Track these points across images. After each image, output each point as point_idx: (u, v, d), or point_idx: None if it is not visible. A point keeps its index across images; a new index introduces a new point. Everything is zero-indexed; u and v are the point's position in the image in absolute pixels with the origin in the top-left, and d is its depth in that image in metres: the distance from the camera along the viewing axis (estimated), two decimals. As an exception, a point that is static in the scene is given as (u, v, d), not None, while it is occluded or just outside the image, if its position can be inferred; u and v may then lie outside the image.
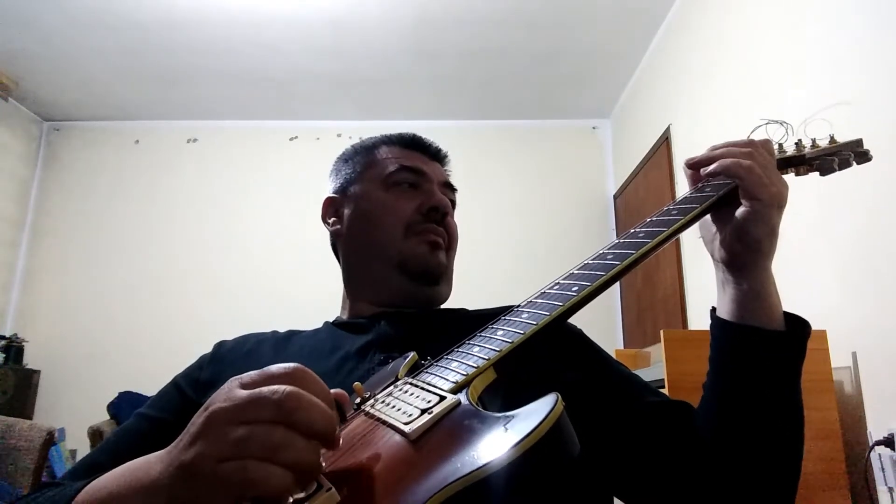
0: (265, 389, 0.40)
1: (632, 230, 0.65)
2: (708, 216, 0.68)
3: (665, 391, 1.60)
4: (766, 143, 0.70)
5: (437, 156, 0.92)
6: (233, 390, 0.41)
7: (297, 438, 0.39)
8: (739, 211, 0.64)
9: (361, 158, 0.90)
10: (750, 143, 0.67)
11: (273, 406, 0.39)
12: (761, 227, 0.63)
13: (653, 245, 0.61)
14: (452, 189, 0.91)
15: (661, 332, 1.65)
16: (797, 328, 0.65)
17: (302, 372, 0.43)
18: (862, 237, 1.65)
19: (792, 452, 0.64)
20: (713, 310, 0.69)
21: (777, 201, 0.64)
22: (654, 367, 2.03)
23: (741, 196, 0.64)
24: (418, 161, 0.87)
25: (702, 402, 0.68)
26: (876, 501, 1.51)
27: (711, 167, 0.67)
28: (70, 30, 3.26)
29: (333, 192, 0.92)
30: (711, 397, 0.67)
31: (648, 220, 0.66)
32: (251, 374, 0.43)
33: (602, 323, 3.73)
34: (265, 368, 0.43)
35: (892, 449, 1.46)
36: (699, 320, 2.72)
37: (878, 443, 1.48)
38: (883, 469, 1.49)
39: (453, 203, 0.89)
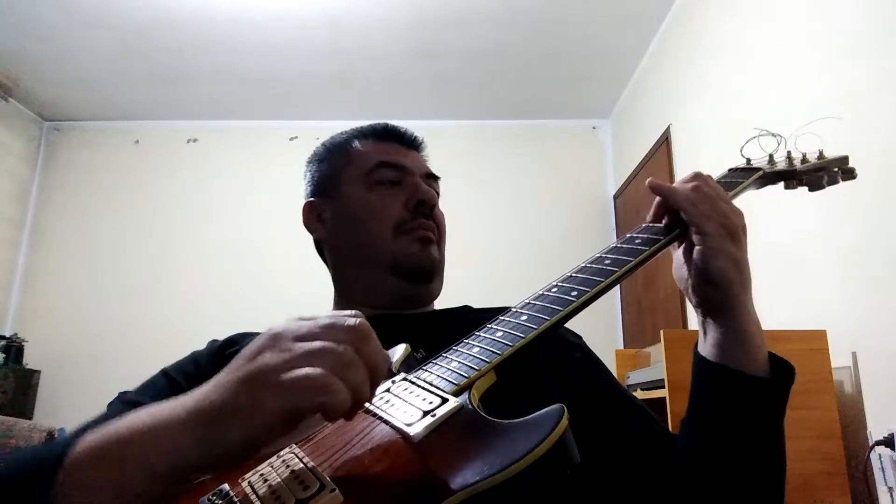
0: (339, 317, 0.42)
1: (628, 235, 0.65)
2: (682, 260, 0.65)
3: (665, 391, 1.60)
4: (709, 178, 0.67)
5: (414, 143, 0.88)
6: (295, 321, 0.42)
7: (362, 364, 0.40)
8: (696, 249, 0.62)
9: (336, 157, 0.87)
10: (695, 177, 0.65)
11: (347, 330, 0.41)
12: (720, 260, 0.60)
13: (650, 252, 0.61)
14: (435, 178, 0.87)
15: (661, 332, 1.65)
16: (782, 373, 0.62)
17: (368, 325, 0.43)
18: (862, 238, 1.65)
19: (772, 496, 0.62)
20: (695, 346, 0.67)
21: (727, 231, 0.61)
22: (654, 367, 2.04)
23: (691, 232, 0.62)
24: (395, 153, 0.84)
25: (679, 438, 0.66)
26: (876, 501, 1.51)
27: (657, 200, 0.65)
28: (70, 30, 3.26)
29: (311, 196, 0.88)
30: (690, 436, 0.64)
31: (645, 225, 0.66)
32: (312, 314, 0.44)
33: (602, 323, 3.73)
34: (328, 312, 0.45)
35: (892, 449, 1.46)
36: (699, 320, 2.72)
37: (878, 443, 1.48)
38: (883, 469, 1.49)
39: (437, 193, 0.86)
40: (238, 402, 0.39)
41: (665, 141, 3.14)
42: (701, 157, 2.77)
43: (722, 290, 0.61)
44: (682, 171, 2.97)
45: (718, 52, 2.59)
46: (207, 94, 3.92)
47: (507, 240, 3.98)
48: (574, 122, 4.22)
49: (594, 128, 4.23)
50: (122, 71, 3.66)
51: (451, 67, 3.60)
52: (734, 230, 0.61)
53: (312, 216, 0.87)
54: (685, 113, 2.95)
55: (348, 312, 0.43)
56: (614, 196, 4.04)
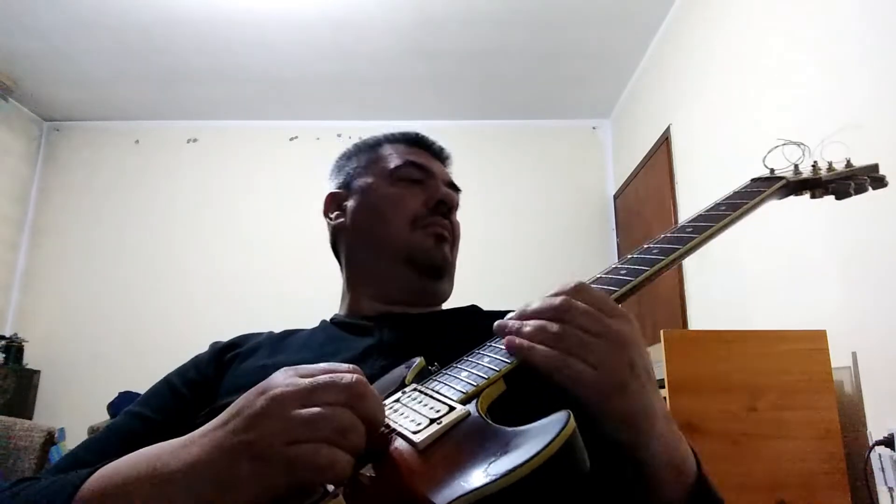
0: (335, 375, 0.42)
1: (645, 245, 0.64)
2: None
3: (665, 391, 1.60)
4: (572, 300, 0.49)
5: (440, 155, 0.92)
6: (291, 377, 0.42)
7: (360, 424, 0.40)
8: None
9: (365, 155, 0.91)
10: (548, 320, 0.49)
11: (343, 390, 0.41)
12: (607, 421, 0.48)
13: (668, 262, 0.60)
14: (456, 189, 0.90)
15: (661, 332, 1.65)
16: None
17: (358, 370, 0.44)
18: (862, 238, 1.65)
19: None
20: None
21: (612, 386, 0.47)
22: (654, 367, 2.03)
23: None
24: (423, 157, 0.88)
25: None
26: (876, 501, 1.51)
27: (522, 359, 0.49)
28: (70, 30, 3.26)
29: (336, 188, 0.91)
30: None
31: (662, 235, 0.65)
32: (308, 367, 0.44)
33: (602, 323, 3.72)
34: (323, 364, 0.44)
35: (892, 449, 1.46)
36: (699, 320, 2.72)
37: (878, 443, 1.48)
38: (883, 469, 1.49)
39: (456, 203, 0.89)
40: (240, 474, 0.39)
41: (665, 141, 3.14)
42: (701, 156, 2.77)
43: (620, 439, 0.49)
44: (683, 170, 2.97)
45: (718, 51, 2.59)
46: (207, 94, 3.91)
47: (507, 240, 3.97)
48: (574, 122, 4.22)
49: (594, 128, 4.23)
50: (122, 71, 3.66)
51: (451, 67, 3.60)
52: (607, 382, 0.47)
53: (333, 206, 0.90)
54: (685, 113, 2.95)
55: (345, 367, 0.44)
56: (614, 196, 4.03)
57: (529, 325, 0.49)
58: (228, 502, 0.39)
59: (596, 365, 0.47)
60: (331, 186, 0.93)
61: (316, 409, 0.39)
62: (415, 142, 0.91)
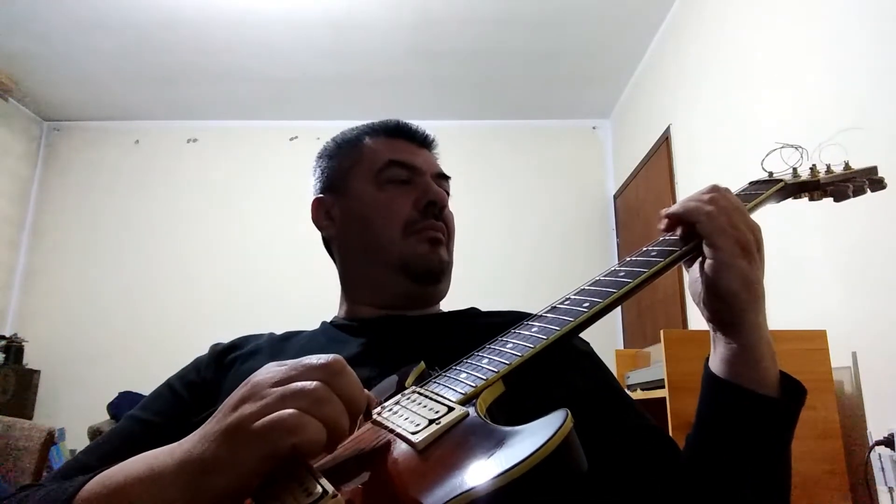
0: (311, 358, 0.43)
1: (644, 248, 0.64)
2: (697, 274, 0.64)
3: (665, 391, 1.60)
4: (727, 192, 0.65)
5: (425, 142, 0.87)
6: (273, 367, 0.44)
7: (336, 398, 0.41)
8: (707, 263, 0.60)
9: (346, 154, 0.86)
10: (713, 189, 0.63)
11: (318, 368, 0.42)
12: (729, 277, 0.58)
13: (665, 264, 0.60)
14: (445, 178, 0.86)
15: (661, 332, 1.65)
16: (792, 395, 0.61)
17: (340, 359, 0.45)
18: (862, 237, 1.65)
19: None
20: (706, 360, 0.66)
21: (741, 247, 0.59)
22: (654, 367, 2.03)
23: (704, 245, 0.60)
24: (407, 152, 0.83)
25: (684, 453, 0.65)
26: (876, 501, 1.51)
27: (670, 213, 0.64)
28: (70, 30, 3.26)
29: (320, 193, 0.87)
30: (694, 452, 0.63)
31: (661, 238, 0.65)
32: (292, 360, 0.44)
33: (602, 323, 3.65)
34: (309, 357, 0.45)
35: (892, 449, 1.46)
36: (699, 320, 2.71)
37: (878, 443, 1.48)
38: (883, 469, 1.49)
39: (447, 192, 0.85)
40: (219, 455, 0.40)
41: (665, 141, 3.15)
42: (701, 156, 2.77)
43: (729, 305, 0.59)
44: (683, 171, 2.97)
45: (718, 51, 2.59)
46: (207, 94, 3.92)
47: (507, 240, 3.98)
48: (574, 122, 4.22)
49: (594, 128, 4.23)
50: (122, 71, 3.66)
51: (451, 67, 3.60)
52: (748, 246, 0.59)
53: (321, 213, 0.86)
54: (685, 113, 2.95)
55: (322, 355, 0.45)
56: (614, 196, 4.04)
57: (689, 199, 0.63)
58: (216, 486, 0.40)
59: (737, 228, 0.59)
60: (314, 189, 0.88)
61: (290, 385, 0.41)
62: (396, 132, 0.85)
